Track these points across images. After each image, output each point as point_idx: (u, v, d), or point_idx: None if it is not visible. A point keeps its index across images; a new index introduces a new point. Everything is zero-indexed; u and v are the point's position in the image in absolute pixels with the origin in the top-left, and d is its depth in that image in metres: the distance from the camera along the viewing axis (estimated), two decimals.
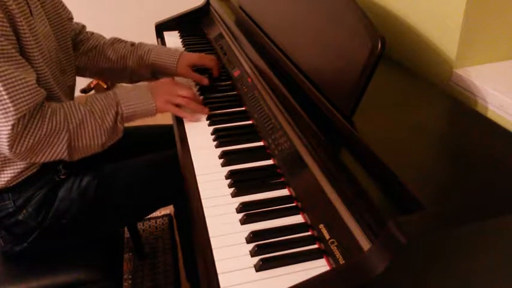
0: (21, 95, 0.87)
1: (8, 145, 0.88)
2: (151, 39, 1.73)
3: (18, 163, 0.99)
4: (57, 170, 1.06)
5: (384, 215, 0.61)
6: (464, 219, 0.59)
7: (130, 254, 1.74)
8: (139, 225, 1.86)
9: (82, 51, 1.30)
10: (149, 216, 1.55)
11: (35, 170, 1.02)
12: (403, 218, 0.57)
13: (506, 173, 0.68)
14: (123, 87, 1.07)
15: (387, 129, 0.80)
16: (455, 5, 0.91)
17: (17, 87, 0.86)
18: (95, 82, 2.79)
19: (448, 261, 0.61)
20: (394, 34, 1.12)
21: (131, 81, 1.37)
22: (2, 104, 0.85)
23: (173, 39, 1.68)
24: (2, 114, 0.86)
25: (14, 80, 0.86)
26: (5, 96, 0.85)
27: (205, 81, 1.27)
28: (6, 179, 0.99)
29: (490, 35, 0.94)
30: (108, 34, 1.40)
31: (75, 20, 1.30)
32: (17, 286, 1.02)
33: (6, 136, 0.87)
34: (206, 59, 1.31)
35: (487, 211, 0.60)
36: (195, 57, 1.32)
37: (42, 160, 0.95)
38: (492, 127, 0.80)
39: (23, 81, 0.87)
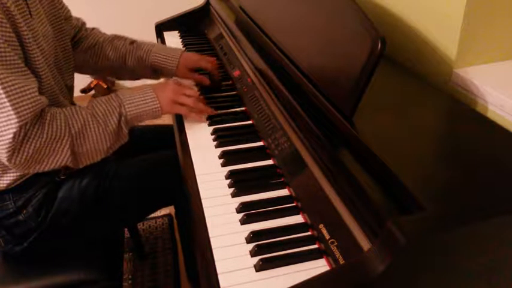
0: (24, 103, 0.85)
1: (8, 155, 0.86)
2: (151, 39, 1.73)
3: None
4: (57, 171, 1.06)
5: (384, 215, 0.61)
6: (464, 220, 0.59)
7: (131, 254, 1.74)
8: (140, 225, 1.86)
9: (81, 49, 1.30)
10: (149, 216, 1.54)
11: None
12: (403, 218, 0.57)
13: (506, 173, 0.68)
14: (126, 90, 1.06)
15: (387, 130, 0.80)
16: (455, 5, 0.91)
17: (19, 95, 0.85)
18: (95, 82, 2.79)
19: (448, 261, 0.61)
20: (394, 34, 1.12)
21: (132, 79, 1.38)
22: (4, 112, 0.84)
23: (173, 39, 1.68)
24: (5, 122, 0.84)
25: (16, 87, 0.85)
26: (7, 104, 0.84)
27: (206, 81, 1.27)
28: (7, 182, 0.99)
29: (490, 35, 0.94)
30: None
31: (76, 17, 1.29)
32: (17, 286, 1.01)
33: (6, 145, 0.85)
34: (203, 62, 1.29)
35: (487, 211, 0.60)
36: (193, 60, 1.30)
37: (46, 168, 0.93)
38: (492, 127, 0.80)
39: (25, 88, 0.86)
